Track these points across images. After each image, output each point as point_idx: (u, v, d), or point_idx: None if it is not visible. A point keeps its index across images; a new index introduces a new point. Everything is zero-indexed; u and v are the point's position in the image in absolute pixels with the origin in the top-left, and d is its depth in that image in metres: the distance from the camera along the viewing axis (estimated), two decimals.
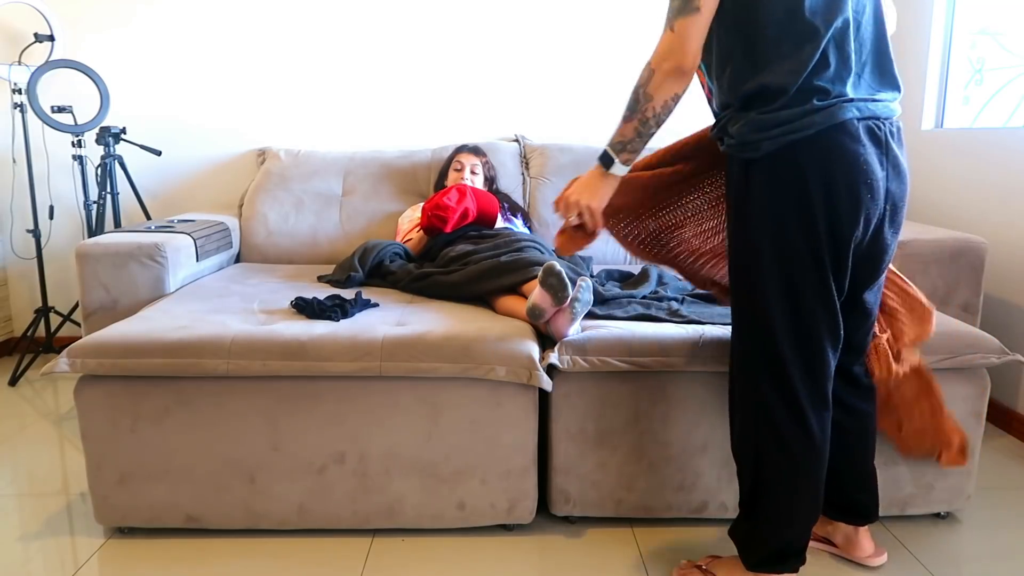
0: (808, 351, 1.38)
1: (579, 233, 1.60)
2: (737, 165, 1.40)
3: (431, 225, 2.41)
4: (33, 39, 2.95)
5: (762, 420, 1.43)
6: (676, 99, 1.36)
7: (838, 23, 1.30)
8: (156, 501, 1.78)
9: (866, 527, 1.68)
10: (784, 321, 1.37)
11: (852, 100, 1.31)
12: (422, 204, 2.63)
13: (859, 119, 1.31)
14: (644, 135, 1.39)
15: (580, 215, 1.54)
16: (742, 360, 1.46)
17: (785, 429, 1.42)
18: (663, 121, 1.38)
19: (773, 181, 1.33)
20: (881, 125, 1.33)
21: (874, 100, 1.33)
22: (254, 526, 1.81)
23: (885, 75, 1.37)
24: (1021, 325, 2.42)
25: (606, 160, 1.47)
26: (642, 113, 1.37)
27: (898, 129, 1.37)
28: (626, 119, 1.39)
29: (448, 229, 2.40)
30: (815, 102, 1.29)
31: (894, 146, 1.35)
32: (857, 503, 1.65)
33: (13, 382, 2.89)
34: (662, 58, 1.32)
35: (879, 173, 1.32)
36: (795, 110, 1.29)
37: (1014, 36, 2.61)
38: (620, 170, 1.47)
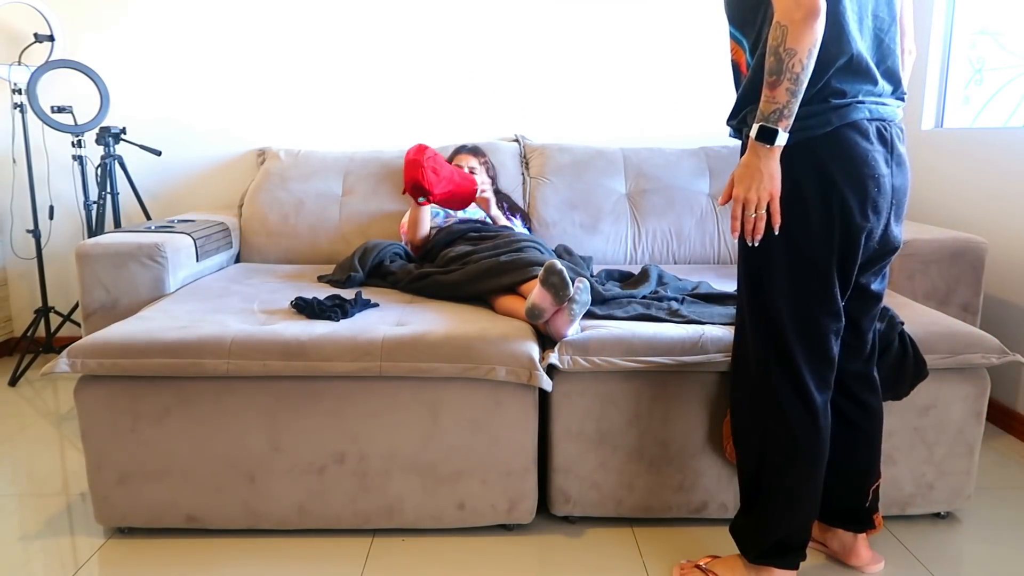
0: (811, 336, 1.44)
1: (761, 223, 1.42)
2: None
3: (416, 184, 2.28)
4: (33, 39, 2.95)
5: (768, 402, 1.48)
6: (817, 44, 1.27)
7: (868, 29, 1.38)
8: (156, 501, 1.78)
9: (864, 535, 1.68)
10: (790, 308, 1.43)
11: (863, 102, 1.38)
12: None
13: (869, 120, 1.38)
14: (797, 93, 1.30)
15: (758, 208, 1.38)
16: (749, 343, 1.51)
17: (790, 411, 1.46)
18: (811, 69, 1.28)
19: (791, 174, 1.37)
20: (888, 127, 1.42)
21: (884, 104, 1.41)
22: (254, 526, 1.81)
23: (896, 85, 1.45)
24: (1021, 325, 2.42)
25: (767, 135, 1.32)
26: (790, 71, 1.28)
27: (901, 130, 1.46)
28: (773, 84, 1.30)
29: (432, 188, 2.26)
30: (833, 101, 1.36)
31: (899, 145, 1.44)
32: (858, 507, 1.65)
33: (13, 382, 2.89)
34: (791, 8, 1.26)
35: (884, 170, 1.40)
36: (814, 107, 1.36)
37: (1014, 36, 2.61)
38: (783, 139, 1.33)
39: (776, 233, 1.40)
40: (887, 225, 1.45)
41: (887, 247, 1.49)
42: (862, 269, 1.49)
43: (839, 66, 1.35)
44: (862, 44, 1.37)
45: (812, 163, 1.37)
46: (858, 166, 1.37)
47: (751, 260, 1.47)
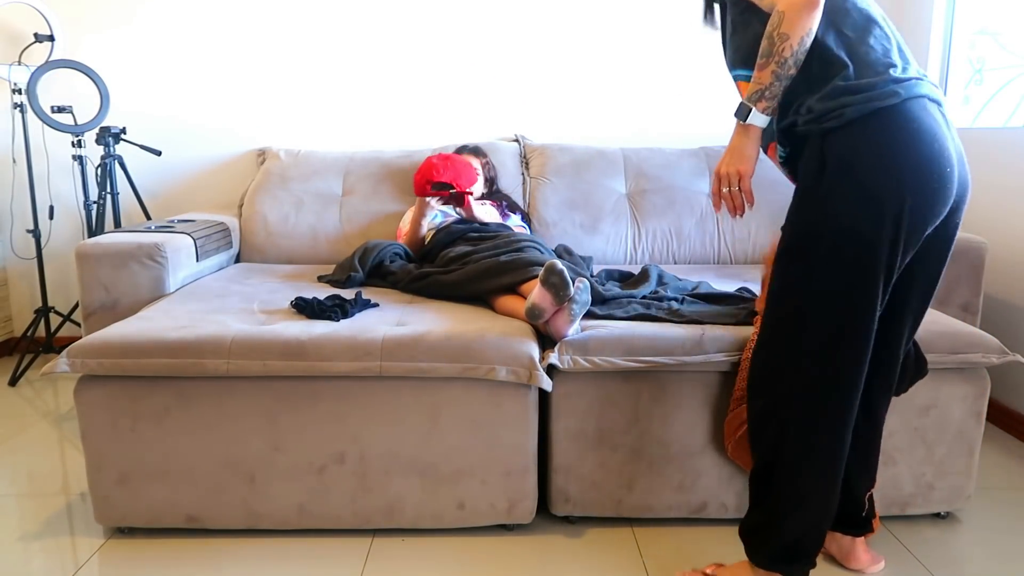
0: (840, 330, 1.36)
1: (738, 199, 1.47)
2: (812, 146, 1.36)
3: (440, 188, 2.40)
4: (33, 39, 2.95)
5: (785, 401, 1.42)
6: (811, 34, 1.29)
7: (892, 31, 1.38)
8: (156, 501, 1.78)
9: (862, 538, 1.67)
10: (826, 299, 1.35)
11: (922, 79, 1.32)
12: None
13: (930, 99, 1.32)
14: (782, 77, 1.32)
15: (730, 184, 1.43)
16: (774, 336, 1.44)
17: (809, 413, 1.40)
18: (800, 61, 1.31)
19: (856, 150, 1.30)
20: (944, 112, 1.35)
21: (936, 86, 1.36)
22: (254, 526, 1.81)
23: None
24: (1021, 325, 2.42)
25: (742, 112, 1.38)
26: (779, 54, 1.30)
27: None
28: (761, 66, 1.32)
29: (441, 176, 2.40)
30: (892, 73, 1.30)
31: (956, 133, 1.37)
32: (855, 512, 1.64)
33: (13, 382, 2.89)
34: None
35: (952, 156, 1.32)
36: (874, 79, 1.30)
37: (1014, 36, 2.61)
38: (759, 119, 1.37)
39: (749, 209, 1.41)
40: (947, 218, 1.36)
41: (941, 239, 1.40)
42: (919, 270, 1.41)
43: (874, 32, 1.32)
44: (889, 31, 1.37)
45: (871, 141, 1.28)
46: (927, 143, 1.27)
47: (791, 250, 1.38)
